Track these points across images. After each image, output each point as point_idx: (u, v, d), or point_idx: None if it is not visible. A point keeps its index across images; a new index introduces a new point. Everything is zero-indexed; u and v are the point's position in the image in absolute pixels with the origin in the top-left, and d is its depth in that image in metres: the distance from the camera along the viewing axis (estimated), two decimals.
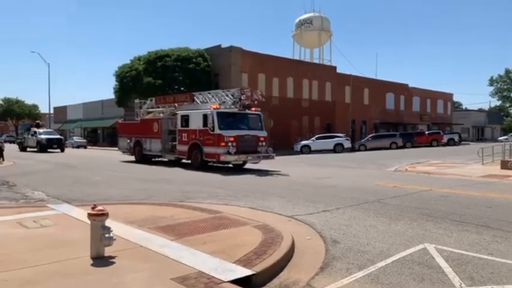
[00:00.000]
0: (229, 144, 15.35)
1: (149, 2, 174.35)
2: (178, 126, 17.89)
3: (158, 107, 21.26)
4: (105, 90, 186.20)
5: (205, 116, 16.17)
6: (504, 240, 5.60)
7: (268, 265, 4.22)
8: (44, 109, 70.41)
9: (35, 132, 34.66)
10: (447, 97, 60.39)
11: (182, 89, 32.20)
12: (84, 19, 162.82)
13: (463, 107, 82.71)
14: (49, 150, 33.38)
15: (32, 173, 15.53)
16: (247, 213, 7.12)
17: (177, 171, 16.32)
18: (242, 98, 16.39)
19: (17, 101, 74.53)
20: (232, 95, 16.71)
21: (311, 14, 57.95)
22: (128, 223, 6.01)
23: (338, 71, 43.97)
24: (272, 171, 15.95)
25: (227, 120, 16.05)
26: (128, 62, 35.31)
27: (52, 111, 59.96)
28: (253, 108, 16.88)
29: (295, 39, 59.89)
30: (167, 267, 4.11)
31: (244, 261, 4.26)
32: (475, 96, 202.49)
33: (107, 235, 4.31)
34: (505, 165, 16.00)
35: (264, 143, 16.66)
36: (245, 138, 16.01)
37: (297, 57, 54.84)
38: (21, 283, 3.67)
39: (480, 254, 4.92)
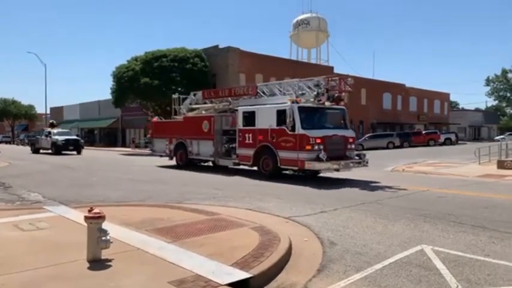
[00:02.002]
0: (316, 147, 12.08)
1: (146, 2, 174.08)
2: (239, 125, 14.47)
3: (205, 103, 17.96)
4: (102, 90, 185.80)
5: (280, 112, 12.84)
6: (500, 242, 5.62)
7: (266, 268, 4.21)
8: (40, 109, 70.06)
9: (49, 132, 31.41)
10: (444, 97, 60.63)
11: (180, 89, 32.13)
12: (81, 19, 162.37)
13: (460, 106, 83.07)
14: (64, 152, 30.06)
15: (29, 174, 15.45)
16: (244, 215, 7.10)
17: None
18: (329, 88, 12.99)
19: (13, 102, 74.12)
20: (315, 85, 13.21)
21: (308, 15, 58.09)
22: (124, 225, 5.99)
23: (335, 71, 44.01)
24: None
25: (310, 117, 12.82)
26: (125, 62, 35.21)
27: (48, 111, 59.75)
28: (341, 102, 13.42)
29: (292, 40, 59.99)
30: (164, 270, 4.09)
31: (241, 264, 4.25)
32: (472, 96, 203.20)
33: (103, 238, 4.30)
34: (501, 165, 16.06)
35: (353, 146, 13.43)
36: (333, 140, 12.64)
37: (294, 58, 54.87)
38: (18, 287, 3.65)
39: (477, 256, 4.93)
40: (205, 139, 16.23)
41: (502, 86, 73.68)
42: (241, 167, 15.22)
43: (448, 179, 12.83)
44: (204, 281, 3.79)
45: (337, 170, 12.50)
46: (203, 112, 17.84)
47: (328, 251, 5.19)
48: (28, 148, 35.85)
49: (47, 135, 31.39)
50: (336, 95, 12.91)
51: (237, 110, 14.90)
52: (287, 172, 13.52)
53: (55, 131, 32.13)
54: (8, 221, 6.30)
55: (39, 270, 4.05)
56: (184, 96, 19.84)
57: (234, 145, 14.92)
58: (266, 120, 13.38)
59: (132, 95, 33.83)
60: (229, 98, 16.40)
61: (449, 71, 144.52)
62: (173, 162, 18.32)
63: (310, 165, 11.93)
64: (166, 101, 33.74)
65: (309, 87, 13.47)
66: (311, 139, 12.11)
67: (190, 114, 18.29)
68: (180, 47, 34.18)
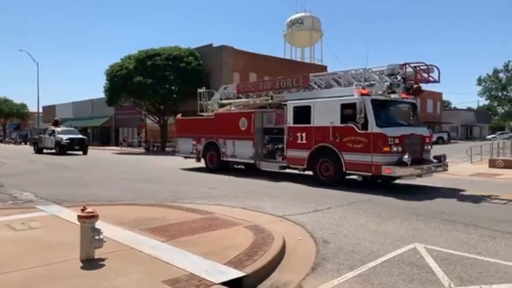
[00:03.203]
0: (395, 149, 10.05)
1: (140, 1, 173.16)
2: (289, 123, 12.41)
3: (239, 97, 15.80)
4: (95, 89, 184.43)
5: (346, 106, 10.77)
6: (492, 240, 5.68)
7: (259, 266, 4.22)
8: (32, 108, 69.50)
9: (53, 131, 29.22)
10: (436, 96, 60.95)
11: (173, 88, 32.04)
12: (74, 17, 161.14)
13: (452, 106, 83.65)
14: (68, 152, 28.23)
15: (23, 174, 15.32)
16: (239, 214, 7.11)
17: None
18: (406, 77, 10.80)
19: (5, 100, 73.44)
20: (389, 74, 10.98)
21: (302, 14, 58.22)
22: (118, 224, 5.96)
23: (329, 70, 44.17)
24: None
25: (384, 112, 10.79)
26: (119, 61, 35.01)
27: (41, 110, 59.24)
28: (418, 93, 11.05)
29: (286, 39, 60.09)
30: (158, 269, 4.09)
31: (235, 263, 4.25)
32: (464, 96, 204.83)
33: (96, 237, 4.28)
34: (493, 163, 16.24)
35: (429, 147, 11.44)
36: (412, 139, 10.62)
37: (288, 57, 54.94)
38: (10, 287, 3.63)
39: (469, 254, 4.98)
40: (243, 139, 14.13)
41: (493, 86, 74.24)
42: (288, 170, 13.43)
43: (440, 178, 12.91)
44: (198, 280, 3.79)
45: (419, 176, 10.44)
46: (232, 108, 15.88)
47: (321, 250, 5.21)
48: (21, 147, 35.29)
49: (50, 134, 29.31)
50: (415, 85, 10.72)
51: (284, 105, 12.79)
52: (354, 177, 11.25)
53: (59, 129, 29.90)
54: None
55: (31, 270, 4.03)
56: (209, 90, 17.95)
57: (279, 146, 13.03)
58: (326, 116, 11.23)
59: (125, 93, 33.63)
60: (270, 92, 14.27)
61: (442, 70, 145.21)
62: (199, 164, 16.59)
63: (389, 171, 9.84)
64: (159, 99, 33.71)
65: (380, 77, 11.41)
66: (389, 139, 9.98)
67: (221, 110, 16.18)
68: (173, 45, 34.05)
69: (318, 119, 11.55)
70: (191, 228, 5.86)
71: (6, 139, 63.89)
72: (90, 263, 4.22)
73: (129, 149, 38.30)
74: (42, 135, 30.70)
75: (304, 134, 11.94)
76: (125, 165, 19.34)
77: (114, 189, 10.87)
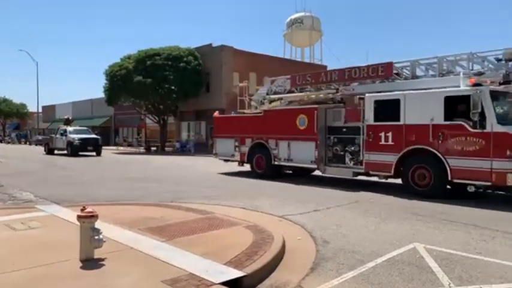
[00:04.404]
0: None
1: (139, 0, 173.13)
2: (368, 120, 10.46)
3: (292, 91, 13.81)
4: (95, 89, 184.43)
5: (454, 100, 8.95)
6: (491, 239, 5.69)
7: (259, 266, 4.22)
8: (32, 108, 69.51)
9: (65, 131, 27.61)
10: None
11: (173, 87, 32.01)
12: (73, 17, 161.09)
13: None
14: (81, 153, 26.67)
15: (22, 174, 15.31)
16: (239, 214, 7.10)
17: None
18: None
19: (5, 100, 73.42)
20: (508, 59, 9.15)
21: (302, 14, 58.18)
22: (118, 224, 5.96)
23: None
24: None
25: (502, 107, 9.05)
26: (118, 60, 35.00)
27: (40, 110, 59.26)
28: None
29: (286, 39, 60.05)
30: (158, 269, 4.08)
31: (235, 263, 4.25)
32: None
33: (96, 237, 4.28)
34: None
35: None
36: None
37: (288, 57, 54.90)
38: (10, 287, 3.62)
39: (468, 254, 4.98)
40: (302, 139, 12.16)
41: None
42: (332, 175, 11.98)
43: None
44: (198, 279, 3.79)
45: None
46: (277, 104, 14.10)
47: (321, 250, 5.21)
48: (18, 146, 35.15)
49: (62, 134, 27.76)
50: None
51: (362, 99, 10.92)
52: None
53: (71, 128, 28.18)
54: None
55: (31, 270, 4.02)
56: (247, 83, 16.10)
57: (351, 148, 11.16)
58: (423, 111, 9.35)
59: (125, 93, 33.61)
60: (338, 85, 12.30)
61: None
62: (242, 167, 15.07)
63: None
64: (159, 99, 33.70)
65: (492, 62, 9.62)
66: None
67: (269, 106, 14.32)
68: (173, 45, 34.03)
69: (410, 116, 9.60)
70: (191, 228, 5.86)
71: (6, 139, 63.92)
72: (90, 262, 4.21)
73: (129, 149, 38.29)
74: (53, 135, 29.34)
75: (390, 134, 9.99)
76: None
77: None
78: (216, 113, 16.20)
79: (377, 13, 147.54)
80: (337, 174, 11.90)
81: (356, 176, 11.26)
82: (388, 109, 10.05)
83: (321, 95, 12.87)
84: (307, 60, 55.54)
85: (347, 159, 11.32)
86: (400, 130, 9.77)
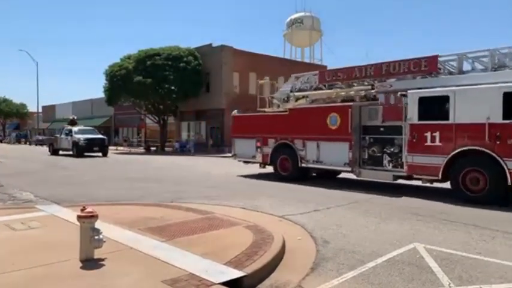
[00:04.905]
0: None
1: (139, 0, 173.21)
2: (412, 119, 9.60)
3: (320, 88, 12.88)
4: (95, 89, 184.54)
5: None
6: (491, 240, 5.69)
7: (259, 266, 4.22)
8: (32, 108, 69.54)
9: (70, 130, 26.93)
10: None
11: (173, 88, 32.02)
12: (73, 17, 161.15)
13: None
14: (87, 154, 25.88)
15: (20, 173, 15.31)
16: (239, 214, 7.10)
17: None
18: None
19: (5, 100, 73.43)
20: None
21: (302, 14, 58.18)
22: (118, 224, 5.96)
23: None
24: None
25: None
26: (118, 60, 35.02)
27: (40, 110, 59.27)
28: None
29: (286, 39, 60.05)
30: (158, 269, 4.08)
31: (235, 263, 4.25)
32: None
33: (96, 237, 4.27)
34: None
35: None
36: None
37: (288, 57, 54.89)
38: (10, 287, 3.62)
39: (468, 254, 4.98)
40: (334, 140, 11.32)
41: None
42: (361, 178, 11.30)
43: None
44: (198, 279, 3.78)
45: None
46: (303, 102, 13.18)
47: (321, 250, 5.21)
48: (18, 146, 35.10)
49: (67, 134, 27.02)
50: None
51: (404, 95, 9.96)
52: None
53: (76, 128, 27.44)
54: None
55: (31, 270, 4.02)
56: (271, 81, 14.86)
57: (390, 149, 10.36)
58: (477, 109, 8.55)
59: (125, 93, 33.63)
60: (367, 81, 11.65)
61: None
62: (261, 169, 14.26)
63: None
64: (159, 99, 33.70)
65: None
66: None
67: (293, 104, 13.43)
68: (173, 45, 34.04)
69: (462, 114, 8.79)
70: (191, 228, 5.86)
71: (6, 139, 63.97)
72: (90, 263, 4.21)
73: (128, 149, 38.28)
74: (57, 135, 28.54)
75: (437, 134, 9.16)
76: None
77: None
78: (234, 112, 15.24)
79: (377, 13, 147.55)
80: (374, 178, 11.04)
81: (396, 179, 10.31)
82: (435, 107, 9.27)
83: (352, 92, 12.01)
84: (307, 60, 55.55)
85: (385, 162, 10.47)
86: (449, 130, 8.94)
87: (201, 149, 32.02)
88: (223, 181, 12.80)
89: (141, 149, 37.62)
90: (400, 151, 10.08)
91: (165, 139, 36.32)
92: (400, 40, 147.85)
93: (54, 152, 28.19)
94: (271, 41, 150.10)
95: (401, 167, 9.99)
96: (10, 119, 76.30)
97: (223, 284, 3.73)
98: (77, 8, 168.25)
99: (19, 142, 58.19)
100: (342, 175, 13.02)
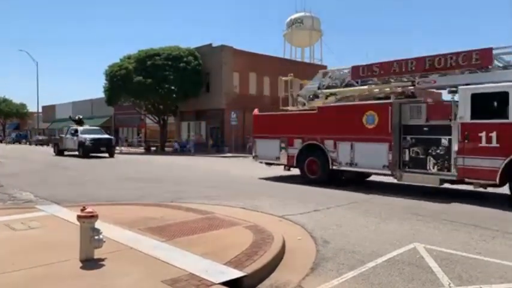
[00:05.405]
0: None
1: (140, 0, 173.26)
2: (463, 118, 8.73)
3: (352, 84, 11.92)
4: (95, 89, 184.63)
5: None
6: (492, 240, 5.69)
7: (259, 266, 4.21)
8: (32, 108, 69.58)
9: (76, 130, 26.18)
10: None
11: (173, 87, 32.02)
12: (73, 17, 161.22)
13: None
14: (93, 154, 25.14)
15: (20, 173, 15.30)
16: (239, 214, 7.10)
17: None
18: None
19: (4, 100, 73.45)
20: None
21: (302, 14, 58.18)
22: (118, 224, 5.95)
23: None
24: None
25: None
26: (118, 60, 35.02)
27: (40, 110, 59.28)
28: None
29: (286, 39, 60.06)
30: (158, 269, 4.08)
31: (235, 263, 4.25)
32: None
33: (96, 237, 4.27)
34: None
35: None
36: None
37: (288, 57, 54.90)
38: (10, 287, 3.62)
39: (468, 254, 4.98)
40: (371, 140, 10.36)
41: None
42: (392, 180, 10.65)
43: None
44: (198, 279, 3.78)
45: None
46: (332, 99, 12.20)
47: (321, 250, 5.21)
48: (18, 146, 35.04)
49: (73, 134, 26.24)
50: None
51: (454, 92, 9.25)
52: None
53: (82, 128, 26.66)
54: None
55: (31, 270, 4.02)
56: (293, 78, 13.93)
57: (436, 151, 9.49)
58: None
59: (125, 93, 33.63)
60: (406, 77, 10.62)
61: None
62: (286, 171, 13.36)
63: None
64: (159, 99, 33.70)
65: None
66: None
67: (323, 102, 12.39)
68: (173, 45, 34.06)
69: None
70: (191, 228, 5.85)
71: (6, 139, 63.98)
72: (90, 263, 4.21)
73: (128, 149, 38.29)
74: (63, 135, 27.86)
75: (494, 134, 8.26)
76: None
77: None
78: (255, 111, 14.26)
79: (377, 13, 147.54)
80: (418, 182, 10.17)
81: (443, 183, 9.44)
82: (491, 104, 8.41)
83: (387, 89, 11.06)
84: (307, 60, 55.56)
85: (429, 164, 9.59)
86: (508, 129, 8.07)
87: (201, 149, 32.03)
88: (223, 181, 12.80)
89: (141, 149, 37.62)
90: (447, 153, 9.26)
91: (165, 139, 36.33)
92: (400, 40, 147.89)
93: (59, 152, 27.52)
94: (271, 41, 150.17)
95: (449, 170, 9.19)
96: (10, 119, 76.32)
97: (223, 284, 3.73)
98: (77, 8, 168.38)
99: (19, 142, 58.20)
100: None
